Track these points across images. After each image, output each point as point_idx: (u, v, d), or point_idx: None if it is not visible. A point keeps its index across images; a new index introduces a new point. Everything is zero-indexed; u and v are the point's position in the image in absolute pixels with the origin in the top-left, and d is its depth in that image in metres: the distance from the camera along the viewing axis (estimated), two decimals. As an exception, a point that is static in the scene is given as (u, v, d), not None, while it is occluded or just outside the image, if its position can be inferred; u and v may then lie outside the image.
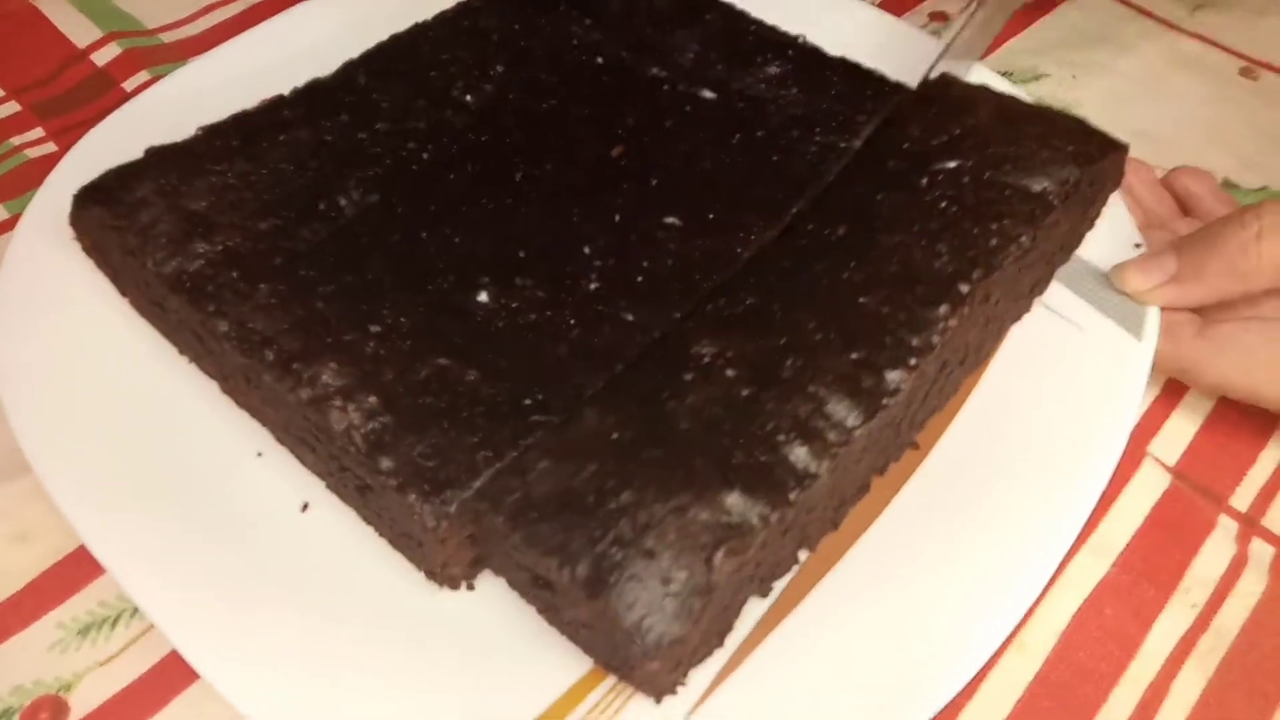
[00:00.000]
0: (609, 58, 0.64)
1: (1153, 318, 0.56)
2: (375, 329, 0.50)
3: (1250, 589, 0.54)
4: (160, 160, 0.56)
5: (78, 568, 0.52)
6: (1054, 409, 0.54)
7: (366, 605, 0.48)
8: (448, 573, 0.47)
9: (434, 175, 0.57)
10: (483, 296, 0.51)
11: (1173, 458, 0.58)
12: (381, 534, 0.50)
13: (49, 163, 0.61)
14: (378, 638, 0.47)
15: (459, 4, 0.67)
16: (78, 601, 0.52)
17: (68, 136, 0.65)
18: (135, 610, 0.51)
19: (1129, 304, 0.57)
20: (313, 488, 0.51)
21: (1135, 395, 0.54)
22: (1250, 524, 0.56)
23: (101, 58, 0.75)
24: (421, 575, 0.48)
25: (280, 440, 0.52)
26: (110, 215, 0.54)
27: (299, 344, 0.49)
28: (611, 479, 0.45)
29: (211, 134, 0.58)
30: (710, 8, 0.66)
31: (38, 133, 0.71)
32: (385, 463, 0.46)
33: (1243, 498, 0.57)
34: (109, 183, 0.55)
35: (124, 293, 0.57)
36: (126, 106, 0.64)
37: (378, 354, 0.49)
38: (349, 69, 0.62)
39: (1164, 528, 0.55)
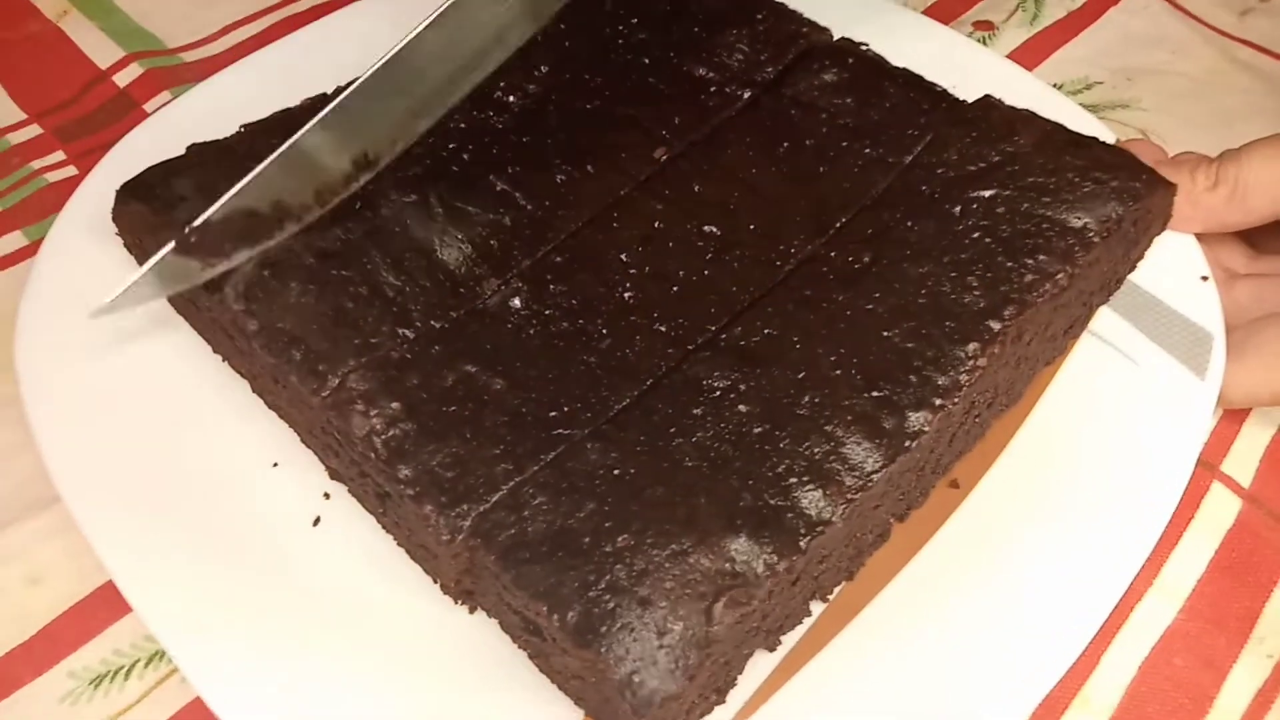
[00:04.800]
0: (655, 58, 0.61)
1: (1218, 355, 0.52)
2: (405, 332, 0.49)
3: (1331, 639, 0.50)
4: (201, 157, 0.56)
5: (92, 613, 0.51)
6: (1108, 451, 0.50)
7: (386, 632, 0.47)
8: (462, 587, 0.46)
9: (473, 176, 0.56)
10: (515, 302, 0.50)
11: (1245, 479, 0.55)
12: (399, 543, 0.49)
13: (69, 187, 0.61)
14: (398, 671, 0.46)
15: None
16: (91, 650, 0.50)
17: (88, 160, 0.64)
18: (149, 660, 0.50)
19: (1192, 339, 0.53)
20: (321, 505, 0.51)
21: (1197, 439, 0.50)
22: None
23: (123, 79, 0.74)
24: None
25: (305, 443, 0.52)
26: (150, 211, 0.53)
27: (326, 345, 0.48)
28: (610, 519, 0.43)
29: (253, 132, 0.57)
30: (762, 7, 0.64)
31: (59, 156, 0.70)
32: (404, 471, 0.45)
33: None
34: (151, 179, 0.55)
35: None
36: (181, 101, 0.64)
37: (404, 358, 0.48)
38: None
39: (1232, 571, 0.52)
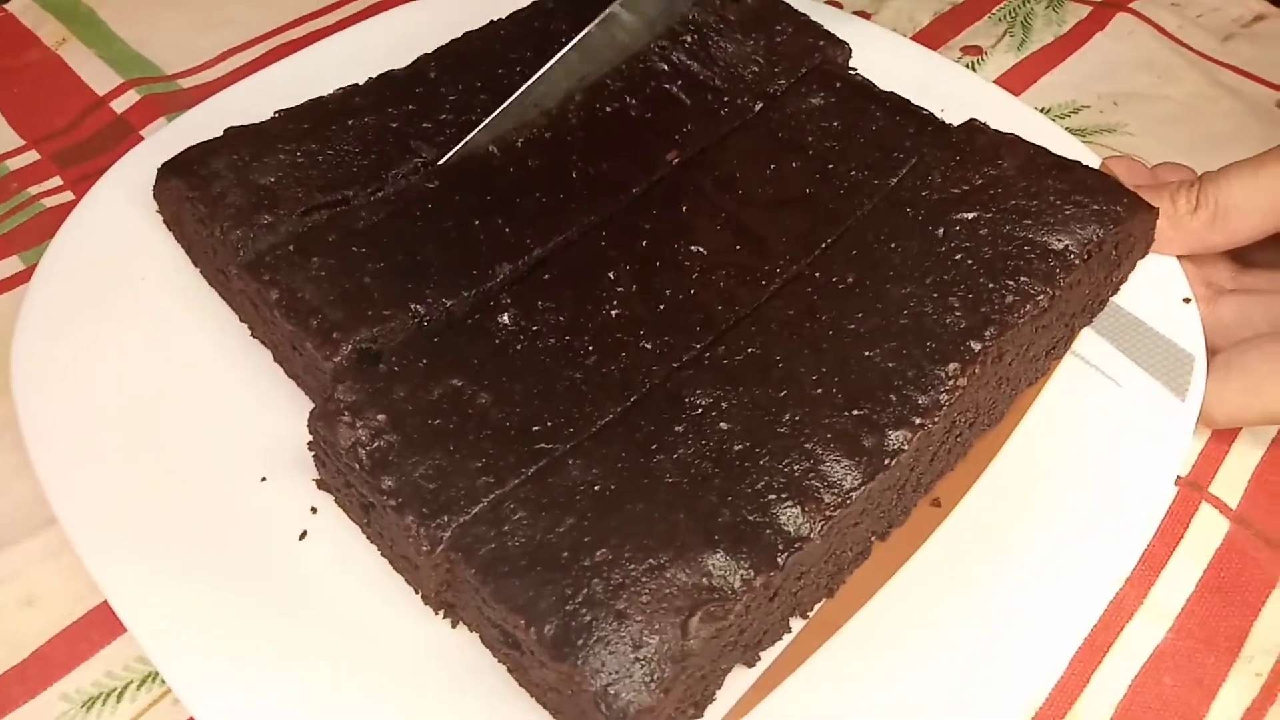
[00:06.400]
0: (673, 64, 0.62)
1: (1198, 377, 0.53)
2: (417, 307, 0.51)
3: (1319, 659, 0.50)
4: (237, 138, 0.58)
5: (85, 635, 0.51)
6: (1089, 470, 0.51)
7: (376, 649, 0.47)
8: (443, 599, 0.47)
9: (494, 167, 0.57)
10: (504, 318, 0.51)
11: (1233, 500, 0.55)
12: (383, 553, 0.49)
13: (66, 212, 0.61)
14: (386, 687, 0.46)
15: (532, 4, 0.67)
16: (83, 672, 0.50)
17: (85, 185, 0.64)
18: (141, 682, 0.50)
19: (1173, 360, 0.53)
20: (309, 519, 0.51)
21: (1175, 459, 0.51)
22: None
23: (120, 105, 0.75)
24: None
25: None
26: (187, 186, 0.56)
27: (341, 314, 0.50)
28: (589, 534, 0.43)
29: (286, 117, 0.60)
30: (783, 18, 0.64)
31: (56, 181, 0.71)
32: (387, 482, 0.45)
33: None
34: (190, 157, 0.57)
35: (195, 262, 0.59)
36: (175, 124, 0.65)
37: (391, 371, 0.49)
38: (421, 62, 0.63)
39: (1221, 591, 0.52)
